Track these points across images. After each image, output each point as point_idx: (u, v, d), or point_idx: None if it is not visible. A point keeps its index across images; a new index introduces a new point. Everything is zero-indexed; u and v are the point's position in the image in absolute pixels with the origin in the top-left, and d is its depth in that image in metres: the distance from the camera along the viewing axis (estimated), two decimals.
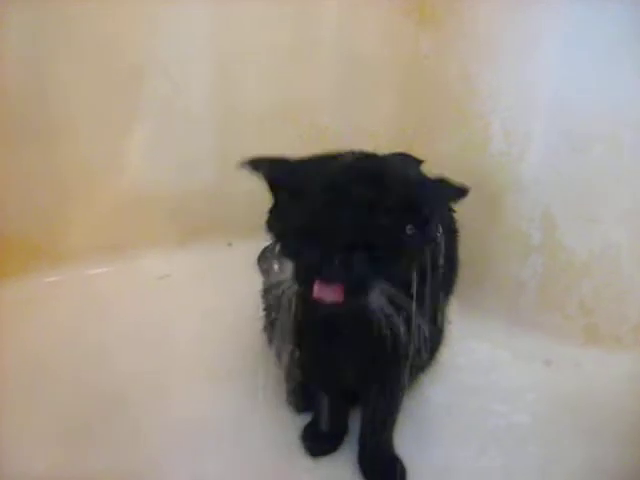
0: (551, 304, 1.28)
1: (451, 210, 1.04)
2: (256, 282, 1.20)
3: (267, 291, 1.17)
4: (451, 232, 1.05)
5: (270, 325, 1.15)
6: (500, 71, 1.21)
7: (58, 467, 1.05)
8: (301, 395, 1.15)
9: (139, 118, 1.41)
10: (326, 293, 0.81)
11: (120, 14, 1.31)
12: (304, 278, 0.84)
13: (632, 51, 1.14)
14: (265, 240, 1.33)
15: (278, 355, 1.10)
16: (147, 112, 1.40)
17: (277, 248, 0.92)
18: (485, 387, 1.23)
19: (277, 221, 0.90)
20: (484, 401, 1.19)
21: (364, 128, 1.38)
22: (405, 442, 1.09)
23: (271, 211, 0.91)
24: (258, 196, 1.48)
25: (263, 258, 1.45)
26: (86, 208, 1.42)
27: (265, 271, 1.37)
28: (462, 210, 1.25)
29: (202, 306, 1.37)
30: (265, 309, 1.17)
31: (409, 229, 0.83)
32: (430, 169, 1.00)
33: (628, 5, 1.12)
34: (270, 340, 1.14)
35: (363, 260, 0.81)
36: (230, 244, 1.56)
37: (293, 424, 1.14)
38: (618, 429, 1.15)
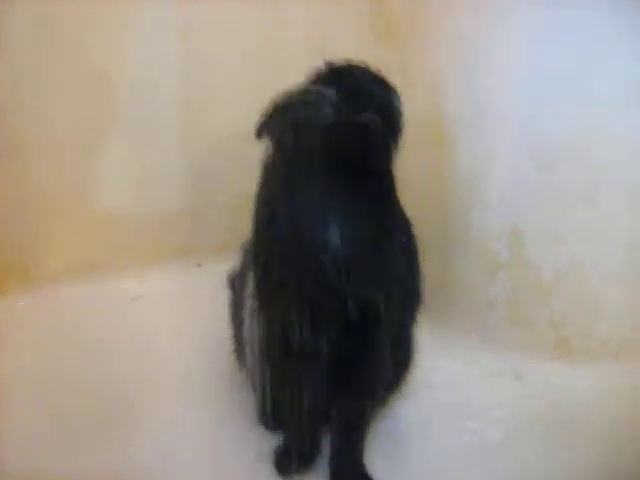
0: (520, 320, 1.29)
1: None
2: (225, 303, 1.21)
3: (235, 313, 1.18)
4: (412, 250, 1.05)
5: (239, 347, 1.16)
6: (465, 89, 1.23)
7: None
8: (272, 414, 1.13)
9: (110, 140, 1.41)
10: None
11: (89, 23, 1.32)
12: None
13: (600, 69, 1.17)
14: (235, 261, 1.38)
15: (248, 376, 1.11)
16: (118, 134, 1.41)
17: None
18: (457, 404, 1.22)
19: None
20: (456, 418, 1.19)
21: None
22: (377, 461, 1.07)
23: None
24: (227, 217, 1.51)
25: (233, 278, 1.46)
26: (57, 229, 1.42)
27: (234, 292, 1.38)
28: (430, 228, 1.27)
29: (174, 327, 1.37)
30: (233, 331, 1.18)
31: None
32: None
33: (594, 23, 1.16)
34: (240, 361, 1.15)
35: None
36: (200, 265, 1.56)
37: (265, 443, 1.12)
38: (588, 443, 1.14)
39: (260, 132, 0.93)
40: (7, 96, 1.30)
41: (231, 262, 1.40)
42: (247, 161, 1.42)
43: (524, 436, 1.17)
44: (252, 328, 1.04)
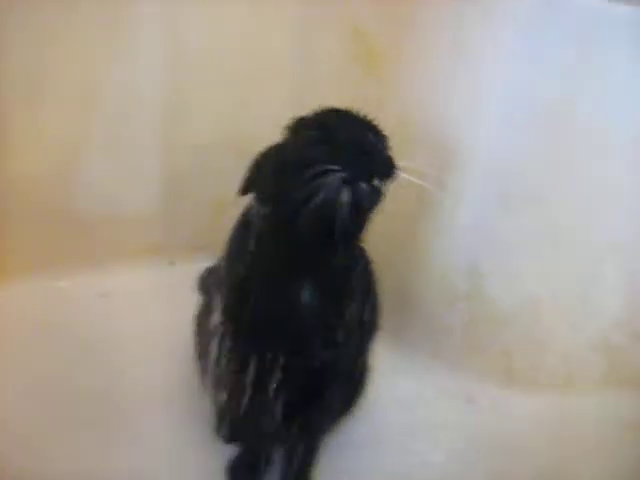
0: (474, 347, 1.35)
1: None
2: (195, 304, 1.24)
3: (199, 317, 1.21)
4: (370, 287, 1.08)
5: (198, 354, 1.18)
6: (438, 127, 1.26)
7: None
8: (229, 425, 1.17)
9: (84, 137, 1.42)
10: None
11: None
12: None
13: (574, 114, 1.20)
14: (208, 261, 1.41)
15: (207, 385, 1.13)
16: (95, 135, 1.41)
17: None
18: (407, 424, 1.28)
19: None
20: (404, 439, 1.25)
21: None
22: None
23: None
24: (202, 216, 1.54)
25: (205, 279, 1.48)
26: (28, 225, 1.42)
27: (203, 293, 1.41)
28: (393, 249, 1.32)
29: (141, 326, 1.39)
30: (196, 336, 1.21)
31: None
32: None
33: (578, 53, 1.18)
34: (201, 368, 1.17)
35: None
36: (172, 263, 1.58)
37: (219, 453, 1.16)
38: (529, 472, 1.22)
39: (247, 191, 0.92)
40: None
41: (204, 262, 1.45)
42: (223, 163, 1.48)
43: (465, 460, 1.22)
44: (215, 342, 1.04)
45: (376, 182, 0.85)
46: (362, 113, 0.92)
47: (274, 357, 0.94)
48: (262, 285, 0.92)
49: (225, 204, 1.50)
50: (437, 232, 1.29)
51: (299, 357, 0.94)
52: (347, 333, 0.96)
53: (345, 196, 0.82)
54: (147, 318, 1.41)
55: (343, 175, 0.82)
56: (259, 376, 0.97)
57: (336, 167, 0.82)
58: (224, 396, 1.05)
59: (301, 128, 0.93)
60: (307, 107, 1.38)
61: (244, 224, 0.97)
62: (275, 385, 0.96)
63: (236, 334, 0.96)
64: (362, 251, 1.02)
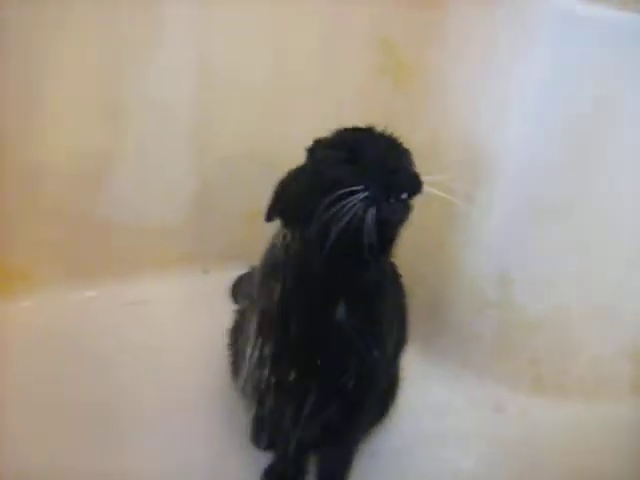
0: (504, 354, 1.36)
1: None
2: (229, 312, 1.26)
3: (235, 326, 1.23)
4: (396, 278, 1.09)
5: (234, 363, 1.20)
6: (468, 138, 1.27)
7: None
8: (265, 434, 1.20)
9: (116, 148, 1.44)
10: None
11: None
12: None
13: (602, 122, 1.18)
14: (241, 269, 1.43)
15: (243, 394, 1.16)
16: (126, 145, 1.44)
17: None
18: (438, 432, 1.30)
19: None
20: (435, 447, 1.27)
21: None
22: None
23: None
24: (235, 224, 1.56)
25: (237, 287, 1.51)
26: (63, 233, 1.44)
27: (236, 302, 1.43)
28: (423, 261, 1.33)
29: (174, 335, 1.42)
30: (230, 345, 1.23)
31: None
32: None
33: (608, 65, 1.17)
34: (235, 375, 1.19)
35: None
36: (206, 271, 1.60)
37: (255, 461, 1.19)
38: (557, 477, 1.24)
39: (271, 218, 0.94)
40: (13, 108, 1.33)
41: (236, 270, 1.48)
42: (251, 175, 1.50)
43: (495, 467, 1.24)
44: (251, 349, 1.05)
45: (402, 198, 0.86)
46: (384, 130, 0.93)
47: (311, 374, 0.96)
48: (297, 305, 0.94)
49: (254, 214, 1.55)
50: (466, 242, 1.30)
51: (335, 375, 0.96)
52: (381, 349, 0.98)
53: (371, 215, 0.83)
54: (181, 326, 1.45)
55: (368, 194, 0.83)
56: (296, 392, 0.99)
57: (360, 187, 0.83)
58: (261, 408, 1.08)
59: (323, 149, 0.94)
60: (334, 120, 1.41)
61: (275, 246, 0.98)
62: (312, 402, 0.99)
63: (273, 353, 0.98)
64: (392, 266, 1.04)
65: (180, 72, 1.39)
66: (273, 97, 1.44)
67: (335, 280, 0.92)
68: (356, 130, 0.94)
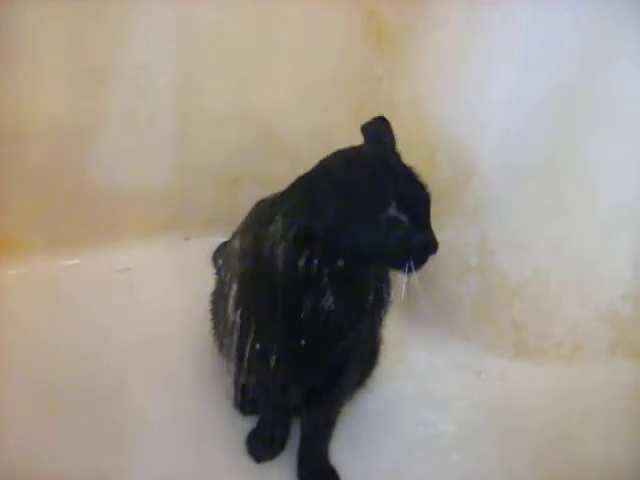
0: (484, 319, 1.38)
1: None
2: (211, 279, 1.27)
3: (216, 292, 1.23)
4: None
5: (218, 328, 1.20)
6: (450, 101, 1.27)
7: None
8: (247, 400, 1.21)
9: (100, 117, 1.43)
10: None
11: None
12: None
13: (586, 89, 1.19)
14: (222, 236, 1.43)
15: (225, 359, 1.15)
16: (108, 111, 1.42)
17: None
18: (419, 395, 1.32)
19: None
20: (416, 409, 1.29)
21: (320, 140, 1.42)
22: (338, 449, 1.18)
23: None
24: (217, 191, 1.56)
25: (218, 254, 1.51)
26: (47, 202, 1.44)
27: (219, 268, 1.43)
28: None
29: (157, 302, 1.43)
30: (212, 311, 1.24)
31: None
32: None
33: (588, 37, 1.17)
34: (218, 342, 1.21)
35: None
36: (187, 238, 1.60)
37: (240, 426, 1.21)
38: (538, 441, 1.25)
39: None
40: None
41: (218, 236, 1.48)
42: (236, 140, 1.49)
43: (476, 430, 1.27)
44: (233, 316, 1.05)
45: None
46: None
47: (294, 343, 0.96)
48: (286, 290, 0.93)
49: (236, 179, 1.55)
50: (447, 209, 1.31)
51: (319, 345, 0.97)
52: (365, 319, 0.99)
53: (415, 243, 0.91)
54: (164, 292, 1.45)
55: (409, 226, 0.89)
56: (279, 358, 0.99)
57: (405, 218, 0.88)
58: (243, 373, 1.07)
59: (360, 166, 0.91)
60: (315, 83, 1.40)
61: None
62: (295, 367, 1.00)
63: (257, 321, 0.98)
64: None
65: (161, 34, 1.38)
66: (256, 61, 1.44)
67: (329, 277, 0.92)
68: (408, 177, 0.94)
